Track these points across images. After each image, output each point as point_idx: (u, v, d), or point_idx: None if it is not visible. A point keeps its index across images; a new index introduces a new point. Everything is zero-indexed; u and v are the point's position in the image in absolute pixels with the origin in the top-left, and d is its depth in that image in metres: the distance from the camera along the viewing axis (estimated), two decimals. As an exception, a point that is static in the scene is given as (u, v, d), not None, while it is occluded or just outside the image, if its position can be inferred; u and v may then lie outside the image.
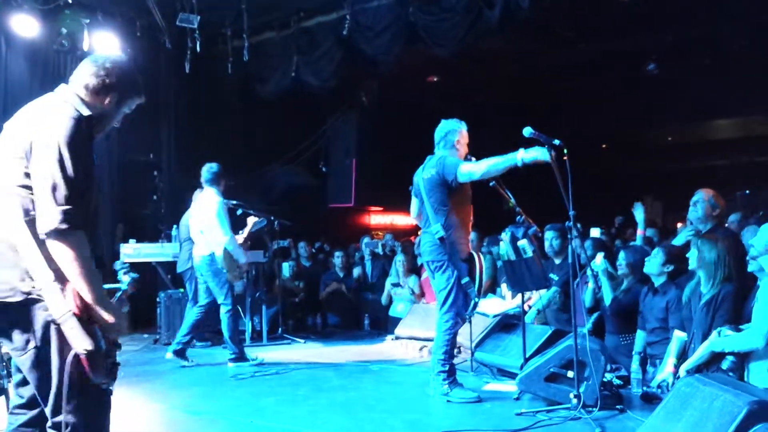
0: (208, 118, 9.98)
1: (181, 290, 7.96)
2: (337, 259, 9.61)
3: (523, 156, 4.48)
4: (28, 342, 2.31)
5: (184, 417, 4.67)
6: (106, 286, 2.65)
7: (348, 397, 5.16)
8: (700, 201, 5.07)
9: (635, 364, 5.15)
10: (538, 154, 4.43)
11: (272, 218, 7.98)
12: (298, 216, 9.00)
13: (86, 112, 2.44)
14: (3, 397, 3.72)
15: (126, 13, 8.84)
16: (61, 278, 2.24)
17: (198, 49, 8.84)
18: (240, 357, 6.30)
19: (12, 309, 2.30)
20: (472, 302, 4.99)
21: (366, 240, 9.77)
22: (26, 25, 7.78)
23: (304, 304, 9.49)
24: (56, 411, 2.30)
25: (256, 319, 7.91)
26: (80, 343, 2.20)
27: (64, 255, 2.22)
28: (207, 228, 6.27)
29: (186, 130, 9.86)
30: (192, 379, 5.93)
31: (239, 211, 7.88)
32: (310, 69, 9.16)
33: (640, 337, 5.34)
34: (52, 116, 2.35)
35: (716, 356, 4.17)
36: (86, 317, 2.24)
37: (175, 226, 7.98)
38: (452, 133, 5.14)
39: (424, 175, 5.10)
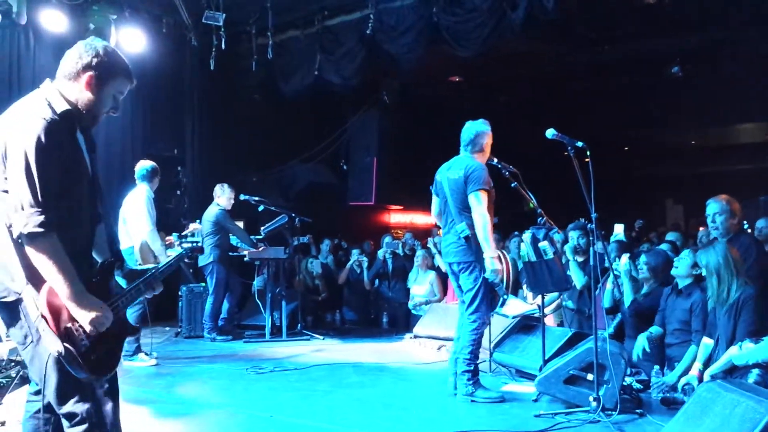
0: (232, 115, 10.07)
1: (203, 284, 8.04)
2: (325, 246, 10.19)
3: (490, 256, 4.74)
4: (26, 337, 2.38)
5: (203, 411, 4.72)
6: (146, 266, 2.71)
7: (366, 394, 5.20)
8: (716, 214, 4.93)
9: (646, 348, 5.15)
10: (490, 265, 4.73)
11: (293, 215, 8.05)
12: (318, 213, 9.03)
13: (63, 107, 2.39)
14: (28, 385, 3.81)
15: (153, 9, 8.96)
16: (36, 279, 2.28)
17: (223, 46, 8.94)
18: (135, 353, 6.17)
19: (9, 307, 2.37)
20: (501, 299, 5.00)
21: (387, 239, 9.78)
22: (55, 20, 7.86)
23: (323, 300, 9.55)
24: (61, 401, 2.37)
25: (276, 314, 7.97)
26: (52, 345, 2.25)
27: (36, 257, 2.26)
28: (131, 218, 6.29)
29: (210, 126, 9.95)
30: (212, 373, 5.99)
31: (261, 208, 7.98)
32: (332, 67, 9.19)
33: (655, 330, 5.29)
34: (23, 119, 2.33)
35: (740, 367, 4.14)
36: (65, 317, 2.28)
37: (197, 221, 8.07)
38: (482, 136, 5.06)
39: (449, 175, 5.04)
